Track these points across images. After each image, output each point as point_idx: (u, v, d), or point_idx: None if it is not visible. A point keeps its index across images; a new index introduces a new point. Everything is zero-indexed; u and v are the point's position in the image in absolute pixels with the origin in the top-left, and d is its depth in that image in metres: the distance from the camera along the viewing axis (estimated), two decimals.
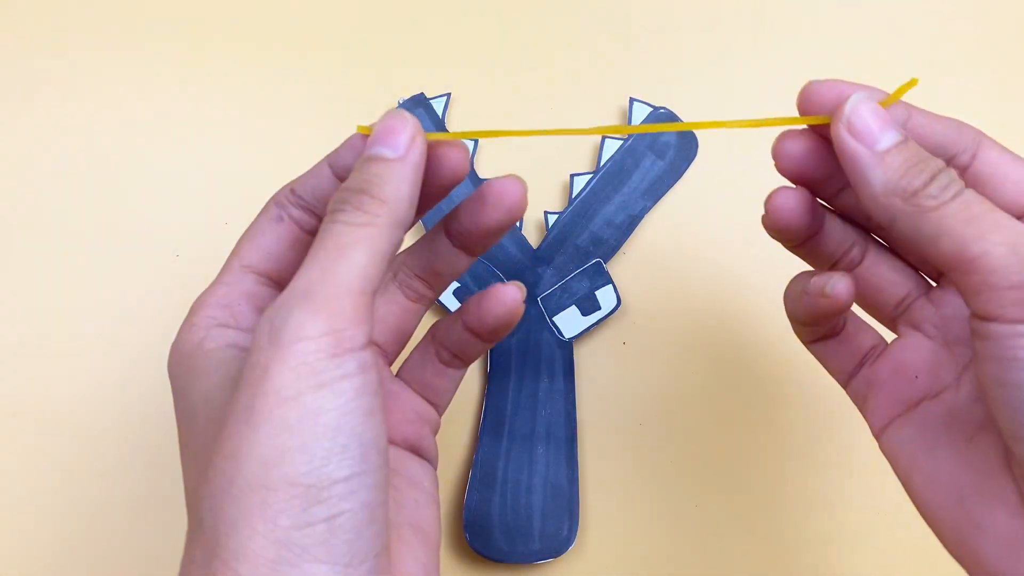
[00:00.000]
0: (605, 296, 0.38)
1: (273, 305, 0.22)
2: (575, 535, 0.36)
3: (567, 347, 0.38)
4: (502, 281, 0.38)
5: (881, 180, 0.25)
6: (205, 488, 0.21)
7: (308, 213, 0.27)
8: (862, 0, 0.43)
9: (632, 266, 0.40)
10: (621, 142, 0.40)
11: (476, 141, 0.39)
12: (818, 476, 0.38)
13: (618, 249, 0.39)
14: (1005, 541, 0.23)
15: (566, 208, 0.39)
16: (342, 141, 0.26)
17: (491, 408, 0.38)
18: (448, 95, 0.40)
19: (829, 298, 0.26)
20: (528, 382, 0.38)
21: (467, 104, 0.40)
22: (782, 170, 0.27)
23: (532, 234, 0.40)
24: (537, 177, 0.40)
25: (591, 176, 0.39)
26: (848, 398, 0.29)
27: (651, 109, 0.40)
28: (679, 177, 0.40)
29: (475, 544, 0.36)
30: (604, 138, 0.40)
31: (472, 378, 0.39)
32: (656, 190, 0.39)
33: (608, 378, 0.39)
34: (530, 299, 0.38)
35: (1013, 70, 0.42)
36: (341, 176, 0.26)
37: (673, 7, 0.42)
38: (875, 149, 0.25)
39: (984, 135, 0.26)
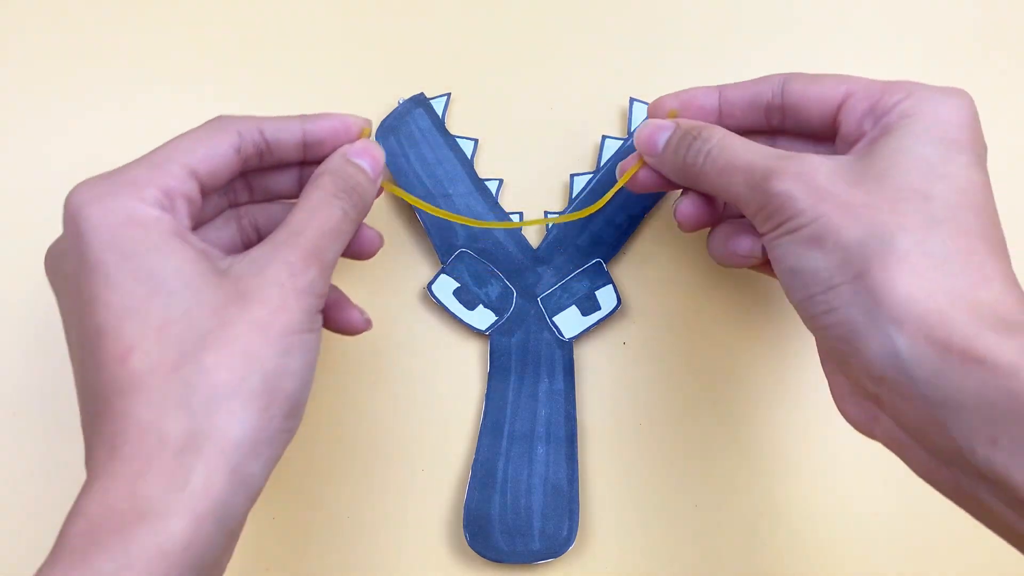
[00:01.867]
0: (605, 296, 0.38)
1: (281, 245, 0.27)
2: (575, 535, 0.36)
3: (567, 347, 0.38)
4: (502, 281, 0.38)
5: (669, 168, 0.33)
6: (186, 374, 0.24)
7: (261, 154, 0.30)
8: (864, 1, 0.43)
9: (633, 266, 0.40)
10: (621, 142, 0.39)
11: (476, 141, 0.39)
12: (819, 476, 0.38)
13: (618, 249, 0.39)
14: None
15: (566, 208, 0.39)
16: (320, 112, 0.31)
17: (491, 408, 0.38)
18: (448, 95, 0.40)
19: (678, 219, 0.34)
20: (528, 382, 0.38)
21: (467, 104, 0.40)
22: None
23: (532, 234, 0.40)
24: (537, 177, 0.40)
25: (591, 176, 0.39)
26: None
27: (645, 120, 0.40)
28: None
29: (475, 544, 0.36)
30: (604, 137, 0.40)
31: (472, 378, 0.39)
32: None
33: (608, 378, 0.39)
34: (530, 299, 0.38)
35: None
36: (307, 141, 0.31)
37: (674, 6, 0.42)
38: (658, 153, 0.33)
39: (791, 74, 0.32)
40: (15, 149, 0.41)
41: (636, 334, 0.39)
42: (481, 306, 0.38)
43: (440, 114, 0.39)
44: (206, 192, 0.29)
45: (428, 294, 0.38)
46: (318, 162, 0.32)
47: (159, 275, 0.25)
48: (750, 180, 0.29)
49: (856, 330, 0.26)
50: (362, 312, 0.33)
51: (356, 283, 0.39)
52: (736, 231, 0.33)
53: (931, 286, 0.25)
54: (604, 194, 0.39)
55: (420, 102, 0.40)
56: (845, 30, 0.42)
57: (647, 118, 0.35)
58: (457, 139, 0.39)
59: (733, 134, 0.32)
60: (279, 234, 0.28)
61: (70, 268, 0.26)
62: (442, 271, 0.38)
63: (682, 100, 0.35)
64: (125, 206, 0.26)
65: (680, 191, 0.34)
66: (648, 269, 0.40)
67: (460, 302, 0.38)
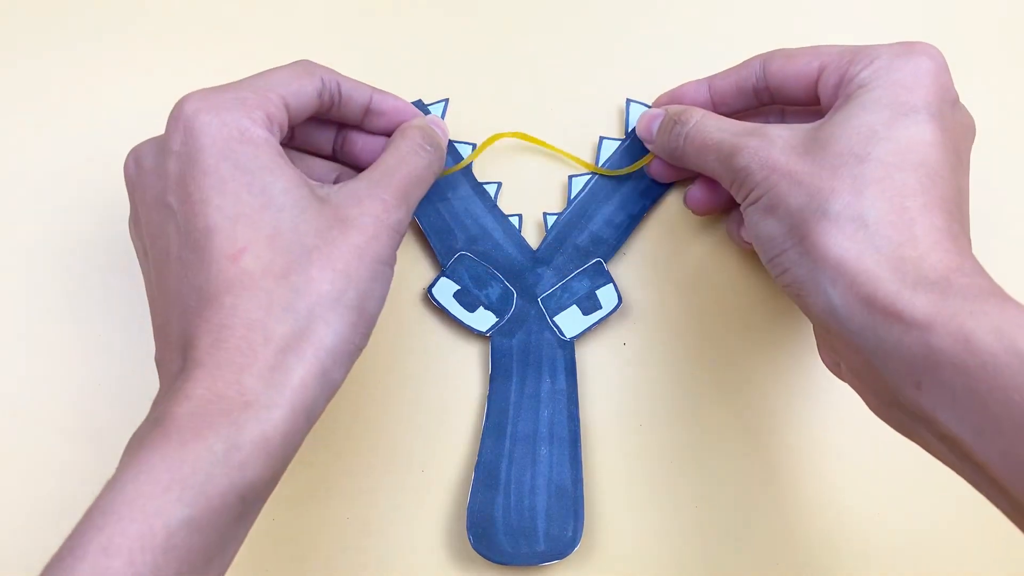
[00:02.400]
0: (606, 295, 0.38)
1: (376, 182, 0.30)
2: (580, 536, 0.36)
3: (568, 347, 0.38)
4: (501, 282, 0.38)
5: (663, 152, 0.36)
6: (295, 282, 0.27)
7: (333, 105, 0.33)
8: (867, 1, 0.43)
9: (633, 266, 0.40)
10: (619, 142, 0.40)
11: (474, 146, 0.40)
12: (820, 476, 0.38)
13: (618, 249, 0.39)
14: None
15: (565, 209, 0.39)
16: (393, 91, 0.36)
17: (493, 409, 0.38)
18: (446, 100, 0.40)
19: (688, 205, 0.38)
20: (530, 382, 0.38)
21: (465, 108, 0.40)
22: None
23: (532, 235, 0.40)
24: (535, 178, 0.40)
25: (589, 177, 0.39)
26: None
27: (647, 109, 0.40)
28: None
29: (478, 547, 0.36)
30: (602, 138, 0.40)
31: (473, 379, 0.39)
32: (655, 189, 0.39)
33: (610, 379, 0.39)
34: (531, 300, 0.38)
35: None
36: (371, 108, 0.35)
37: (671, 7, 0.42)
38: (652, 140, 0.37)
39: (769, 54, 0.34)
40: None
41: (637, 334, 0.39)
42: (481, 308, 0.38)
43: None
44: (290, 126, 0.31)
45: (428, 297, 0.38)
46: (370, 131, 0.36)
47: (270, 191, 0.28)
48: (720, 157, 0.32)
49: (804, 288, 0.29)
50: None
51: None
52: (740, 216, 0.35)
53: (859, 247, 0.27)
54: (602, 194, 0.39)
55: (418, 108, 0.40)
56: (845, 30, 0.42)
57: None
58: (455, 144, 0.39)
59: (711, 115, 0.34)
60: (373, 173, 0.31)
61: (174, 169, 0.28)
62: (442, 274, 0.38)
63: (674, 96, 0.38)
64: (239, 122, 0.28)
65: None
66: (649, 269, 0.40)
67: (460, 304, 0.38)
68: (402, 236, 0.31)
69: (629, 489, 0.38)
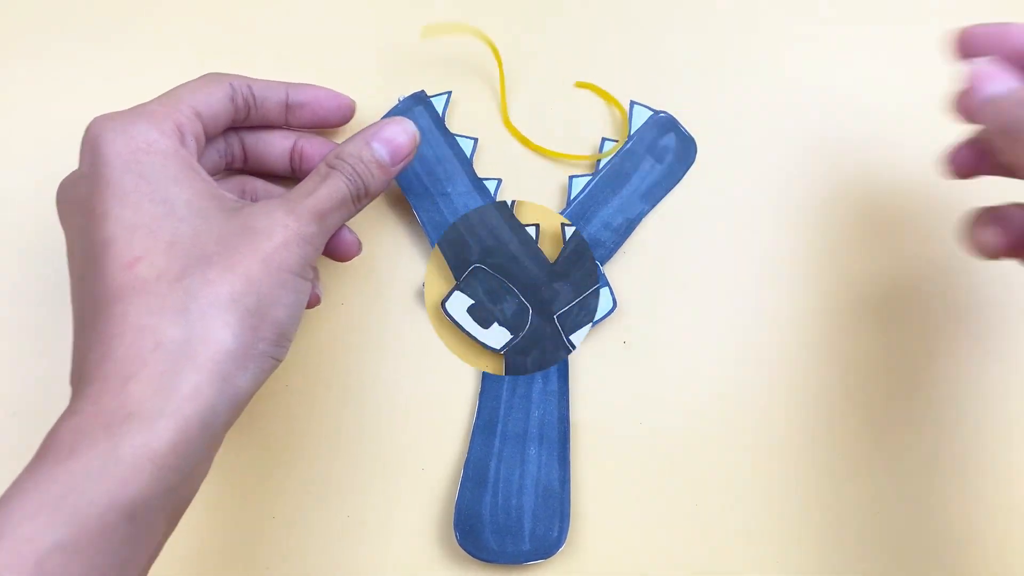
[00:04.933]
0: (601, 298, 0.38)
1: (296, 200, 0.30)
2: (565, 537, 0.36)
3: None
4: (516, 297, 0.38)
5: (994, 126, 0.27)
6: (193, 289, 0.26)
7: (249, 108, 0.34)
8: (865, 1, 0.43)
9: (632, 268, 0.40)
10: (622, 145, 0.39)
11: (475, 140, 0.39)
12: (817, 476, 0.39)
13: (615, 251, 0.39)
14: None
15: (564, 210, 0.39)
16: (308, 82, 0.36)
17: (484, 408, 0.38)
18: (449, 93, 0.39)
19: (977, 245, 0.29)
20: (522, 383, 0.38)
21: (467, 103, 0.40)
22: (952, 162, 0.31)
23: (549, 248, 0.39)
24: (536, 178, 0.40)
25: (589, 178, 0.39)
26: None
27: (651, 113, 0.40)
28: (678, 181, 0.40)
29: (464, 544, 0.36)
30: (604, 140, 0.39)
31: (465, 377, 0.39)
32: (654, 193, 0.39)
33: (608, 379, 0.39)
34: (546, 317, 0.38)
35: None
36: (290, 103, 0.35)
37: (674, 10, 0.42)
38: (981, 108, 0.27)
39: None
40: None
41: (636, 336, 0.39)
42: (496, 324, 0.38)
43: (440, 112, 0.39)
44: (207, 136, 0.32)
45: (421, 292, 0.38)
46: (298, 127, 0.36)
47: (173, 201, 0.28)
48: None
49: None
50: (353, 233, 0.35)
51: (350, 281, 0.39)
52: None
53: None
54: (602, 196, 0.39)
55: (420, 100, 0.39)
56: (849, 30, 0.42)
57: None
58: (457, 138, 0.39)
59: None
60: (290, 193, 0.31)
61: (83, 191, 0.28)
62: (456, 288, 0.38)
63: (992, 35, 0.29)
64: (146, 135, 0.28)
65: None
66: (647, 271, 0.40)
67: (474, 320, 0.38)
68: (317, 252, 0.30)
69: (622, 490, 0.38)
